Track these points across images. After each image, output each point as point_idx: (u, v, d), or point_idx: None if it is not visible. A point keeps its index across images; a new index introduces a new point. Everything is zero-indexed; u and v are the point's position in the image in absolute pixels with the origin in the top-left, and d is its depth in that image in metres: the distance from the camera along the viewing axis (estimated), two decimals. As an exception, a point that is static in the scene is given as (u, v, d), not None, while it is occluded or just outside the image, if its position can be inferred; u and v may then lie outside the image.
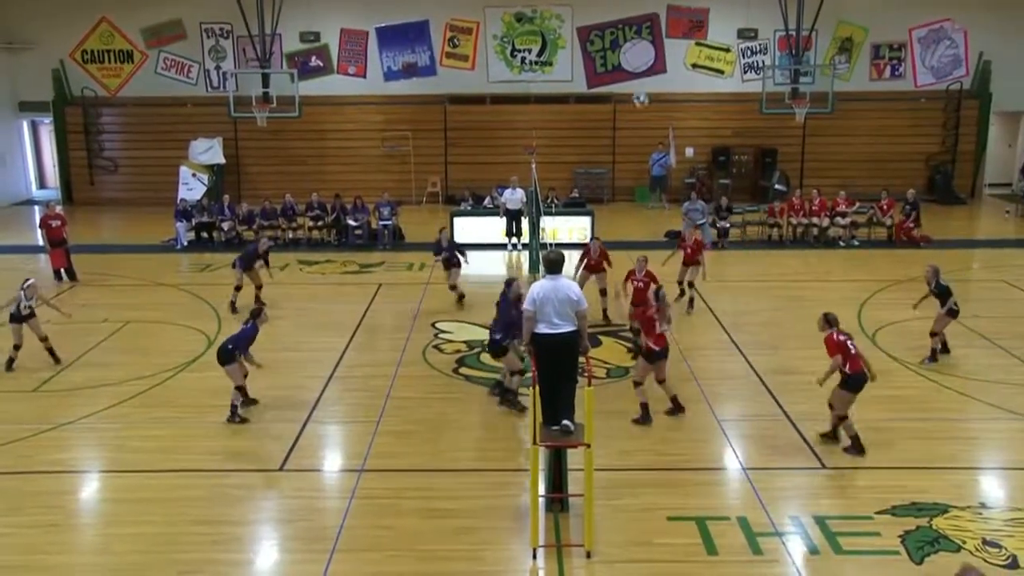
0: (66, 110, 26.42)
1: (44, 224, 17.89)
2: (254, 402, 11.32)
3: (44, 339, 13.08)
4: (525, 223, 19.70)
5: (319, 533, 8.47)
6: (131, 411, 11.40)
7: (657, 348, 10.77)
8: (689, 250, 15.44)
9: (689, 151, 26.17)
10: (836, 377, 10.00)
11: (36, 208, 25.64)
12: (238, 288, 15.63)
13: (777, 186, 24.58)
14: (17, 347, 12.85)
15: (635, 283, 13.12)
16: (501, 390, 11.62)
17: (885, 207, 20.97)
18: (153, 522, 8.68)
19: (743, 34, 26.39)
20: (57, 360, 13.04)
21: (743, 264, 19.28)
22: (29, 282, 13.07)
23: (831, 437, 10.24)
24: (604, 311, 14.68)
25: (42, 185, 28.23)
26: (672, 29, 26.39)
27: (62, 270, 17.71)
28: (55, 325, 14.27)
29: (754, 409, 11.44)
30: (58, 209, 18.79)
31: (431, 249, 16.77)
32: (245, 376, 11.07)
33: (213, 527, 8.59)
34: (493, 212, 21.04)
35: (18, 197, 26.87)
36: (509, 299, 11.50)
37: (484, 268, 18.94)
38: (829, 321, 10.20)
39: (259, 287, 15.87)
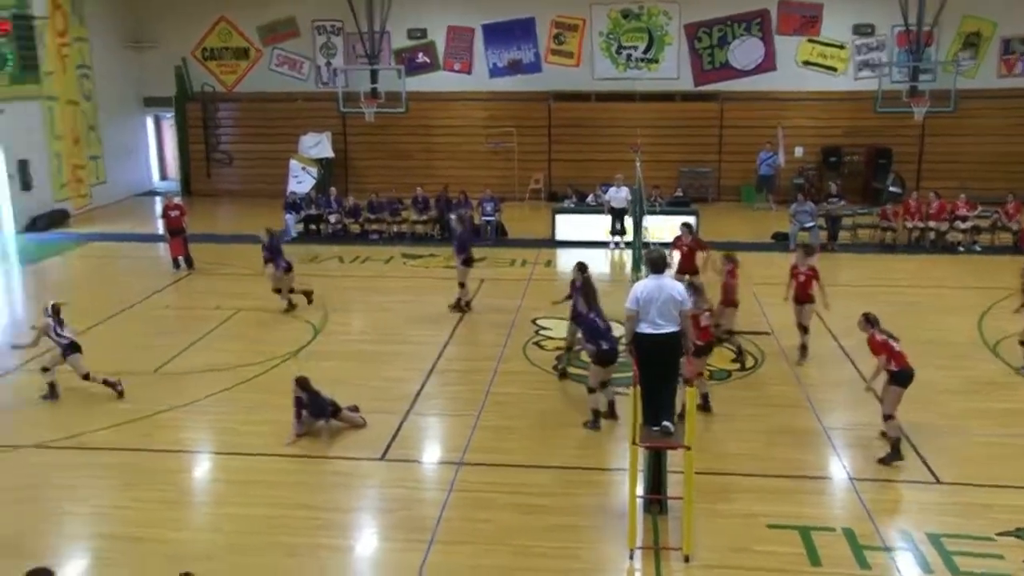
0: (187, 105, 27.47)
1: (165, 214, 18.66)
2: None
3: (86, 376, 11.68)
4: (629, 221, 19.56)
5: (418, 523, 8.60)
6: (241, 396, 11.78)
7: (701, 342, 10.50)
8: (802, 278, 12.93)
9: (798, 151, 25.53)
10: (883, 377, 9.86)
11: (157, 199, 26.78)
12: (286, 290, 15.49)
13: (891, 188, 23.78)
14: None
15: (682, 248, 13.72)
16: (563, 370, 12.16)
17: (1011, 211, 20.01)
18: (261, 504, 8.96)
19: (859, 30, 25.56)
20: (119, 392, 11.72)
21: (853, 268, 18.70)
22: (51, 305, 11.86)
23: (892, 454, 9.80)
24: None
25: (163, 177, 29.45)
26: (783, 25, 25.79)
27: (180, 258, 18.41)
28: (172, 310, 14.87)
29: (863, 418, 11.05)
30: (177, 200, 19.54)
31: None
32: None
33: (317, 512, 8.82)
34: (596, 210, 20.96)
35: (141, 188, 28.06)
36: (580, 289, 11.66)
37: (570, 265, 19.04)
38: (870, 321, 10.15)
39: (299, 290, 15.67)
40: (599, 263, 19.18)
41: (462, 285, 15.54)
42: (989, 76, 25.26)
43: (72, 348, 11.64)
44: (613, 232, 20.29)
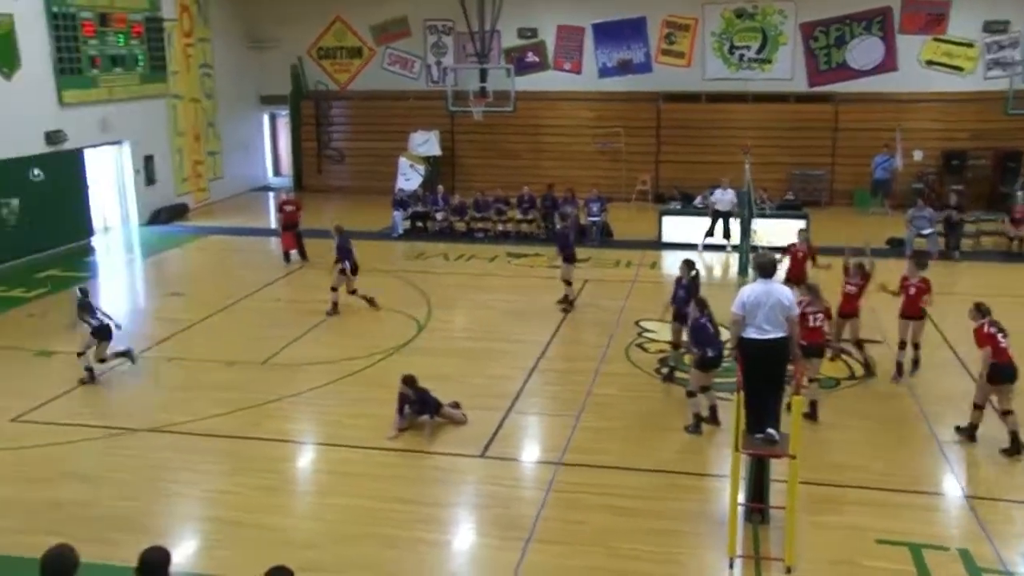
0: (301, 103, 28.23)
1: (280, 208, 19.21)
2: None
3: (102, 360, 12.26)
4: (735, 224, 19.19)
5: (515, 521, 8.61)
6: (346, 389, 12.03)
7: (805, 343, 10.07)
8: (912, 291, 12.03)
9: (918, 154, 24.53)
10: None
11: (271, 194, 27.61)
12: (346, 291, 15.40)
13: (1021, 192, 22.63)
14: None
15: (796, 255, 13.40)
16: (669, 372, 12.03)
17: None
18: (361, 495, 9.12)
19: (990, 27, 24.38)
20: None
21: (976, 276, 17.87)
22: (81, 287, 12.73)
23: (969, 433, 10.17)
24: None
25: (276, 173, 30.33)
26: (907, 24, 24.84)
27: (291, 252, 18.90)
28: (282, 303, 15.27)
29: (982, 433, 10.56)
30: (292, 195, 20.08)
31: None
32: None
33: (416, 506, 8.92)
34: (702, 212, 20.65)
35: (256, 183, 28.98)
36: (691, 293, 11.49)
37: (676, 268, 18.77)
38: (981, 311, 10.22)
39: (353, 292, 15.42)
40: (711, 266, 18.96)
41: (568, 283, 15.52)
42: None
43: (101, 332, 12.10)
44: (708, 234, 19.96)
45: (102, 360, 12.21)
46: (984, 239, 20.08)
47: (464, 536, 8.60)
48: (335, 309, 15.20)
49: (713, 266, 18.94)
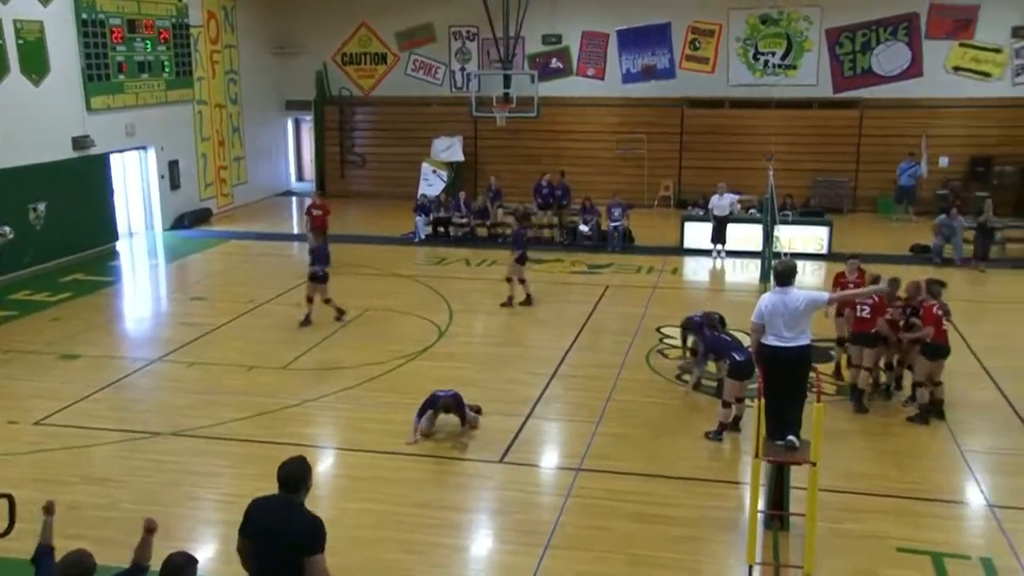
0: (325, 108, 28.41)
1: (308, 212, 19.17)
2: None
3: None
4: (731, 230, 19.76)
5: (534, 527, 8.60)
6: (366, 394, 12.06)
7: (855, 332, 11.13)
8: (936, 314, 10.91)
9: (943, 161, 24.34)
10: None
11: (294, 199, 27.79)
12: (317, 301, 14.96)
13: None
14: None
15: (846, 287, 11.81)
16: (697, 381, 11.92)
17: None
18: (381, 500, 9.14)
19: (1019, 32, 24.14)
20: None
21: (1004, 285, 17.71)
22: None
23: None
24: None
25: (300, 178, 30.53)
26: (933, 29, 24.65)
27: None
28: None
29: (1006, 442, 10.47)
30: (321, 199, 20.03)
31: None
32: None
33: (436, 511, 8.93)
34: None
35: (280, 188, 29.18)
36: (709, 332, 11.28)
37: (697, 274, 19.07)
38: (932, 292, 11.00)
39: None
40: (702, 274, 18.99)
41: (509, 280, 15.88)
42: None
43: None
44: (714, 241, 19.94)
45: None
46: (1009, 246, 19.85)
47: (482, 541, 8.60)
48: (308, 319, 14.76)
49: (728, 271, 18.95)
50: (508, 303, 15.92)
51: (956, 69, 24.71)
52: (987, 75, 24.55)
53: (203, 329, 14.77)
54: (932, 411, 10.92)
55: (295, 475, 5.57)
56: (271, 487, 9.47)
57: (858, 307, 11.23)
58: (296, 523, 5.37)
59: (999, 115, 24.04)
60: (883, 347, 11.46)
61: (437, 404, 10.55)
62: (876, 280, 11.55)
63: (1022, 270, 18.54)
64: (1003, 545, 8.19)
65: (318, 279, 14.84)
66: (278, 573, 5.34)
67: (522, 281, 16.03)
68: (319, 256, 15.02)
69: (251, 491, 9.37)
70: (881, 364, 11.69)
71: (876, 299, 11.19)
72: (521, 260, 15.90)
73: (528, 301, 16.00)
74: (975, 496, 9.24)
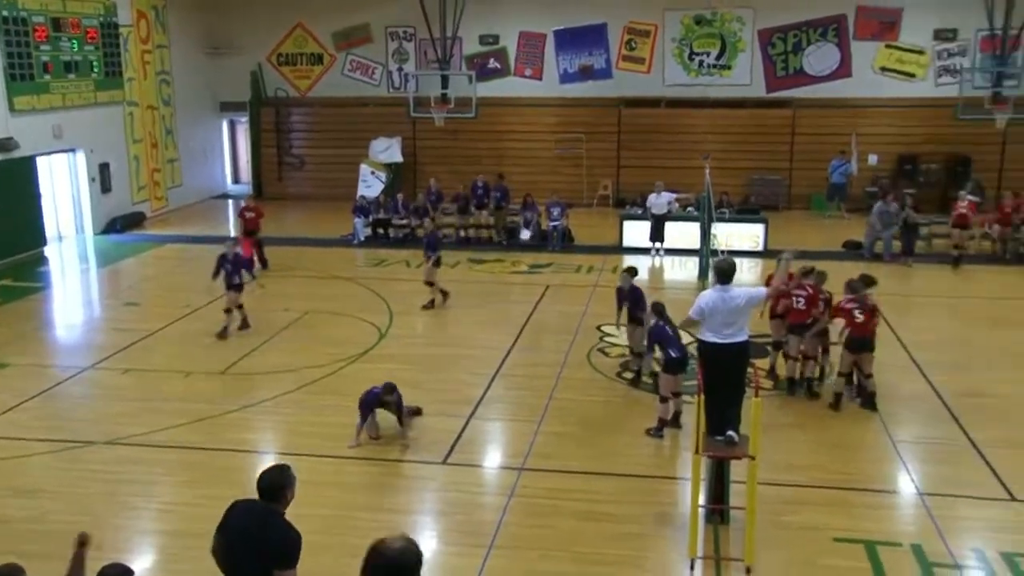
0: (261, 110, 28.04)
1: (241, 215, 19.02)
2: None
3: None
4: (668, 228, 20.06)
5: (478, 528, 8.61)
6: (307, 397, 11.95)
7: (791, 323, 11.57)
8: (860, 317, 11.20)
9: (872, 159, 24.94)
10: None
11: (230, 202, 27.37)
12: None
13: (970, 196, 23.06)
14: None
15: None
16: (635, 376, 12.24)
17: None
18: (323, 505, 9.03)
19: (940, 35, 24.90)
20: None
21: (930, 279, 18.21)
22: None
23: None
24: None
25: (236, 180, 30.10)
26: (860, 30, 25.26)
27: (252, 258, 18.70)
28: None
29: (934, 432, 10.79)
30: (254, 202, 19.87)
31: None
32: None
33: (378, 514, 8.88)
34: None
35: (215, 191, 28.72)
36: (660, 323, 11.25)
37: (639, 273, 19.01)
38: (852, 287, 11.43)
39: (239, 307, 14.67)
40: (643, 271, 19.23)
41: (430, 284, 15.87)
42: (1077, 82, 24.36)
43: None
44: (652, 239, 20.20)
45: None
46: (936, 242, 20.42)
47: (426, 543, 8.57)
48: (225, 330, 14.44)
49: (666, 268, 19.17)
50: (430, 305, 15.92)
51: (883, 70, 25.37)
52: (912, 76, 25.25)
53: (138, 335, 14.47)
54: (867, 403, 11.30)
55: (274, 484, 5.53)
56: (210, 495, 9.35)
57: (793, 299, 11.55)
58: (271, 533, 5.32)
59: (924, 114, 24.73)
60: (820, 337, 11.79)
61: (373, 400, 10.48)
62: (809, 272, 11.86)
63: (947, 265, 19.08)
64: (932, 531, 8.43)
65: (233, 287, 14.46)
66: None
67: (431, 284, 16.00)
68: (239, 263, 14.72)
69: (189, 499, 9.26)
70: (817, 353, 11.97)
71: (810, 290, 11.58)
72: (437, 263, 15.90)
73: (444, 298, 16.08)
74: (906, 485, 9.50)
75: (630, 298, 12.28)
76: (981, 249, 19.94)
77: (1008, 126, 22.60)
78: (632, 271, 12.60)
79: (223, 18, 27.59)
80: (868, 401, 11.31)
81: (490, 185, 22.03)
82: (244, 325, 14.64)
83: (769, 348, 12.81)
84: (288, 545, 5.28)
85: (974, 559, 7.98)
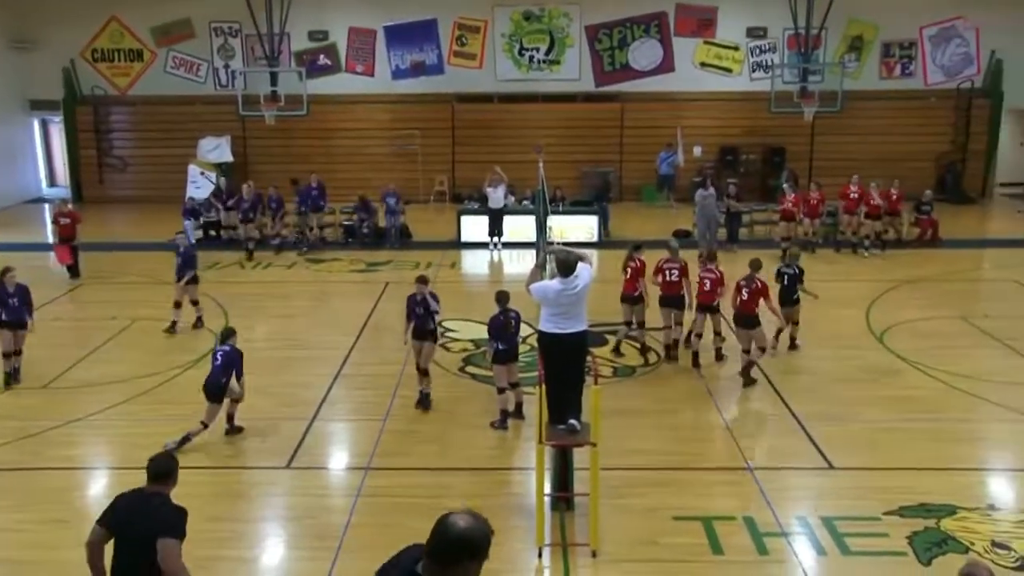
0: (76, 109, 26.50)
1: (55, 221, 18.01)
2: (239, 430, 10.76)
3: None
4: (506, 222, 20.35)
5: (325, 531, 8.49)
6: (139, 408, 11.45)
7: (663, 295, 12.82)
8: (707, 284, 12.69)
9: (697, 150, 26.09)
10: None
11: (46, 206, 25.75)
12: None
13: (785, 185, 24.51)
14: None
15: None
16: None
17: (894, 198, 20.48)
18: (161, 519, 8.69)
19: (752, 33, 26.31)
20: None
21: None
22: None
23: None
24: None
25: (52, 183, 28.32)
26: (680, 27, 26.35)
27: (69, 266, 17.74)
28: (64, 322, 14.35)
29: (760, 408, 11.46)
30: (69, 207, 18.84)
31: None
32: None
33: (221, 523, 8.60)
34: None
35: (29, 195, 26.98)
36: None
37: (476, 267, 19.52)
38: (671, 248, 13.09)
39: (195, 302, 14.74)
40: (481, 265, 19.47)
41: (195, 303, 14.81)
42: (872, 78, 26.32)
43: None
44: (491, 234, 20.43)
45: None
46: (757, 228, 21.56)
47: (273, 551, 8.39)
48: (200, 322, 14.70)
49: (504, 262, 19.49)
50: (172, 329, 14.47)
51: (703, 65, 26.55)
52: (729, 71, 26.56)
53: (-54, 352, 13.41)
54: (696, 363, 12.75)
55: (164, 467, 6.00)
56: (35, 518, 8.84)
57: (666, 272, 12.77)
58: (158, 510, 5.69)
59: (742, 107, 26.05)
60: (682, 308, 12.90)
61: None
62: (756, 265, 12.53)
63: (768, 249, 20.15)
64: (762, 503, 8.95)
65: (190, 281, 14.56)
66: (135, 565, 5.52)
67: (195, 303, 14.80)
68: (190, 257, 14.68)
69: (11, 524, 8.71)
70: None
71: (718, 273, 12.74)
72: (194, 280, 14.74)
73: (199, 323, 14.84)
74: (738, 461, 10.01)
75: (424, 306, 11.53)
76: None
77: (815, 118, 24.13)
78: (424, 279, 11.86)
79: (28, 9, 25.87)
80: (696, 361, 12.69)
81: (311, 185, 21.22)
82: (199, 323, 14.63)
83: (608, 336, 13.21)
84: (173, 518, 5.67)
85: (799, 526, 8.52)
